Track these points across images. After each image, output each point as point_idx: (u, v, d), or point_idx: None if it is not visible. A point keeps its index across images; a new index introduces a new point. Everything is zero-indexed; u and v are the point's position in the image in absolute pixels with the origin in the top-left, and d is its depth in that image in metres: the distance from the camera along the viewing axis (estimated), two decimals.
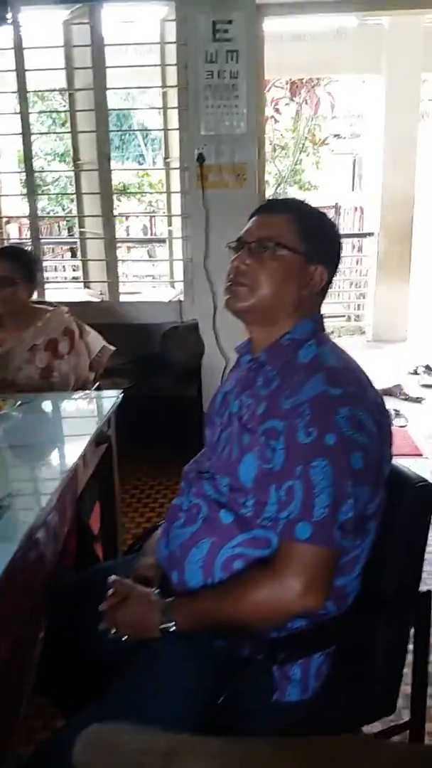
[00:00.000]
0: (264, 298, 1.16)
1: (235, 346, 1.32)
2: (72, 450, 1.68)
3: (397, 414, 3.80)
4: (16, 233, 6.35)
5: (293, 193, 8.50)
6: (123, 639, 1.15)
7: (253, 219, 1.22)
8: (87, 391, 2.22)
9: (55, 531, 1.40)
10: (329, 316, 5.70)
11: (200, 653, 1.11)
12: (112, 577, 1.21)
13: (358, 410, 1.07)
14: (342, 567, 1.10)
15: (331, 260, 1.22)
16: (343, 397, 1.07)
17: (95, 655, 1.20)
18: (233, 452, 1.16)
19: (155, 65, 3.35)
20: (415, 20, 4.64)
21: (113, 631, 1.16)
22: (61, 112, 6.66)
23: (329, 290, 1.24)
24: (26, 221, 3.94)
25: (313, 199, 8.42)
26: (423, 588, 1.17)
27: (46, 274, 5.17)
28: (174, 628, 1.10)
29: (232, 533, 1.13)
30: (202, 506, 1.19)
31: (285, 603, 1.04)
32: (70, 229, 7.24)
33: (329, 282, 1.22)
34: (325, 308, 1.25)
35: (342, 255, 1.27)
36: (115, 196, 3.60)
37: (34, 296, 2.38)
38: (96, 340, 2.44)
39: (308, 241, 1.17)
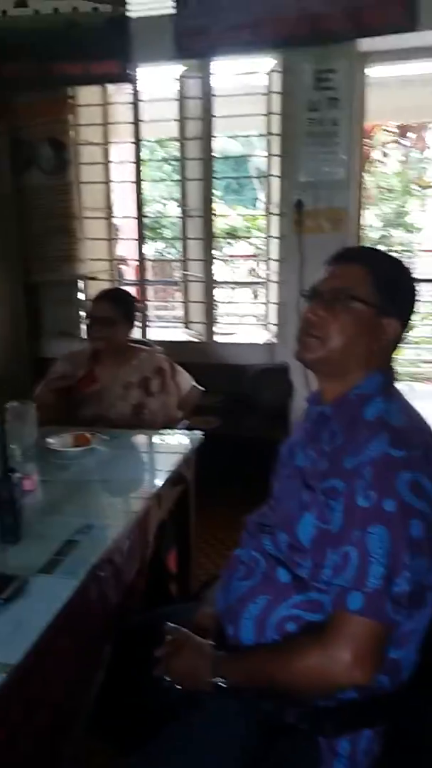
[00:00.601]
0: (334, 351, 1.15)
1: None
2: (147, 489, 1.72)
3: None
4: (131, 275, 6.67)
5: (398, 235, 8.33)
6: (176, 687, 1.15)
7: (328, 268, 1.21)
8: (172, 430, 2.27)
9: (121, 569, 1.43)
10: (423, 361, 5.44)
11: (247, 713, 1.09)
12: (170, 625, 1.22)
13: (421, 475, 1.02)
14: (397, 639, 1.04)
15: (405, 313, 1.18)
16: (405, 460, 1.02)
17: (154, 698, 1.21)
18: (293, 509, 1.14)
19: (261, 114, 3.46)
20: None
21: (167, 678, 1.16)
22: (172, 160, 6.99)
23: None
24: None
25: (418, 242, 8.20)
26: None
27: (156, 313, 5.40)
28: (224, 684, 1.09)
29: (288, 593, 1.11)
30: (261, 561, 1.17)
31: (332, 674, 0.99)
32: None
33: (402, 335, 1.19)
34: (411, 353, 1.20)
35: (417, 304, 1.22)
36: (224, 239, 3.71)
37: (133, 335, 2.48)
38: (186, 380, 2.50)
39: (382, 294, 1.14)
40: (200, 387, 2.52)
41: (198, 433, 2.10)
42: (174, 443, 2.12)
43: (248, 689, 1.09)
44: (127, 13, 3.20)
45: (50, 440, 1.94)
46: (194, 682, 1.12)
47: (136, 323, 2.49)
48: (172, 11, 3.11)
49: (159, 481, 1.74)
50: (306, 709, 1.05)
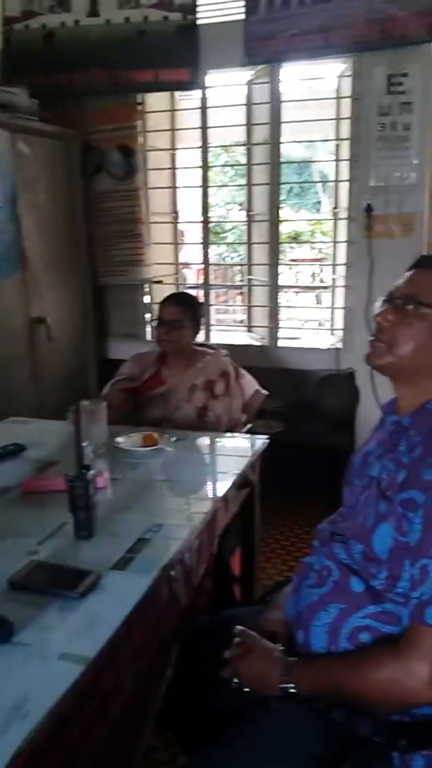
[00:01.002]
0: (402, 357, 1.13)
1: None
2: (215, 491, 1.73)
3: None
4: (194, 278, 6.74)
5: None
6: (244, 690, 1.15)
7: (406, 274, 1.19)
8: (236, 433, 2.28)
9: (191, 570, 1.44)
10: None
11: (317, 721, 1.08)
12: (239, 628, 1.22)
13: None
14: None
15: None
16: None
17: (219, 699, 1.21)
18: (368, 519, 1.12)
19: (330, 119, 3.43)
20: None
21: (235, 680, 1.17)
22: (237, 165, 7.04)
23: None
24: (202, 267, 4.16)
25: None
26: None
27: (218, 316, 5.42)
28: (294, 690, 1.08)
29: (362, 602, 1.09)
30: (333, 569, 1.16)
31: (409, 689, 0.97)
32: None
33: None
34: None
35: None
36: (287, 244, 3.67)
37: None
38: (250, 384, 2.51)
39: None
40: (264, 391, 2.52)
41: (263, 437, 2.10)
42: (240, 446, 2.13)
43: (319, 697, 1.08)
44: (197, 21, 3.23)
45: (119, 440, 1.98)
46: (263, 686, 1.12)
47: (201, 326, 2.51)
48: (242, 17, 3.13)
49: (226, 484, 1.75)
50: (381, 721, 1.03)
